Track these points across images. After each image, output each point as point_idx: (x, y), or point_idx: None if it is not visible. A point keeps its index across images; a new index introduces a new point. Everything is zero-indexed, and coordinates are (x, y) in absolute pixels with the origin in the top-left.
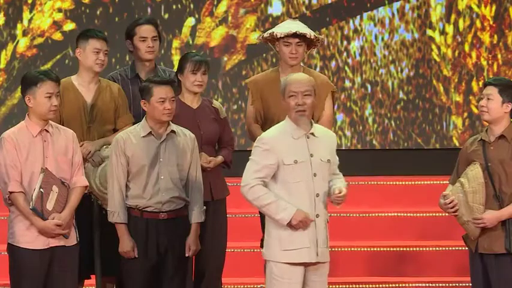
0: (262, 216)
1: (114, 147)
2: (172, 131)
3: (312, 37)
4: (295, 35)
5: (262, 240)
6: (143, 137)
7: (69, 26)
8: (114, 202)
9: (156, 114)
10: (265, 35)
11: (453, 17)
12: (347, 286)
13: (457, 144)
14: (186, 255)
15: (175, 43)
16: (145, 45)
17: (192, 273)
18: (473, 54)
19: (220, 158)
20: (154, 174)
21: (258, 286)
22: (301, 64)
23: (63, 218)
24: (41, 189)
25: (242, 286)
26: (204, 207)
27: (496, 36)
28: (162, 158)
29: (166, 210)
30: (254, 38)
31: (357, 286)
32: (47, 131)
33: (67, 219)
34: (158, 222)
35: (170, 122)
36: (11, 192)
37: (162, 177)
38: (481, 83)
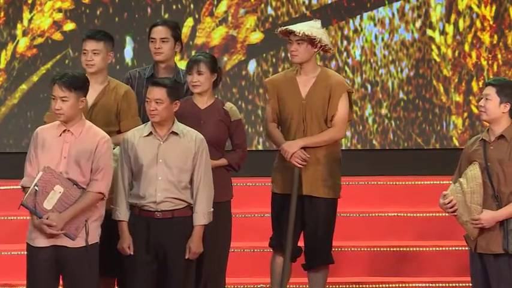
0: (274, 216)
1: (121, 145)
2: (174, 133)
3: (301, 34)
4: (294, 33)
5: (271, 238)
6: (145, 136)
7: (69, 26)
8: (117, 199)
9: (147, 114)
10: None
11: (453, 17)
12: (347, 286)
13: (457, 144)
14: (186, 257)
15: None
16: (153, 47)
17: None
18: (473, 54)
19: (220, 161)
20: (152, 174)
21: (258, 286)
22: (318, 63)
23: (56, 219)
24: (36, 187)
25: (242, 286)
26: (212, 209)
27: (496, 36)
28: (161, 159)
29: (162, 210)
30: (254, 38)
31: (357, 286)
32: (72, 132)
33: (65, 220)
34: (153, 221)
35: (176, 123)
36: (22, 187)
37: (159, 177)
38: (481, 83)
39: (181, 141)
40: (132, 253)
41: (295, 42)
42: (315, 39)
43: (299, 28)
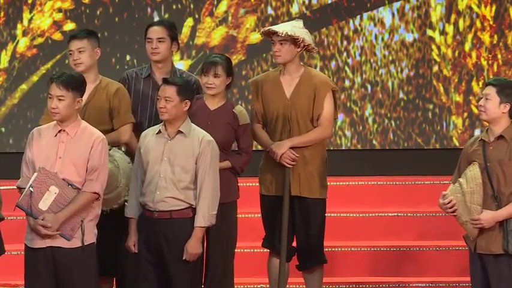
0: (265, 216)
1: (139, 142)
2: (180, 132)
3: (283, 34)
4: (276, 33)
5: (264, 239)
6: (156, 134)
7: (69, 26)
8: (130, 197)
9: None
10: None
11: (453, 17)
12: (347, 286)
13: (457, 144)
14: (183, 258)
15: None
16: (149, 47)
17: (202, 277)
18: (473, 54)
19: (224, 164)
20: (155, 172)
21: (258, 286)
22: (301, 63)
23: (51, 219)
24: (31, 188)
25: (242, 286)
26: (214, 212)
27: (496, 36)
28: (166, 157)
29: (159, 210)
30: (254, 38)
31: (357, 286)
32: (67, 132)
33: (60, 220)
34: (152, 220)
35: (187, 122)
36: (18, 188)
37: (161, 176)
38: (481, 83)
39: (187, 140)
40: (136, 251)
41: (278, 42)
42: (297, 39)
43: (281, 28)
